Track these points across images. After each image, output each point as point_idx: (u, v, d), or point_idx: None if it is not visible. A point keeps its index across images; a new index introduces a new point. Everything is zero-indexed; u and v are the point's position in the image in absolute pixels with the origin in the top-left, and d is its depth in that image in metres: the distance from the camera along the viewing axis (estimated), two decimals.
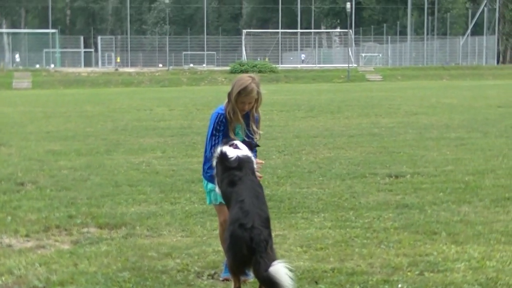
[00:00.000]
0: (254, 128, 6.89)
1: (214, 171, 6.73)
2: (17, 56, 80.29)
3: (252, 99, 6.76)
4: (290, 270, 5.81)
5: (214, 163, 6.60)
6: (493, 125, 21.74)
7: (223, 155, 6.43)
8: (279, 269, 5.75)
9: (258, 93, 6.79)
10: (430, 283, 6.68)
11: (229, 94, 6.79)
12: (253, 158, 6.59)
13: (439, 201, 10.45)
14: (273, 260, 5.89)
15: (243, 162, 6.39)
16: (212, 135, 6.85)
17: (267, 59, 79.85)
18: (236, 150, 6.46)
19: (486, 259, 7.44)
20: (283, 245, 8.06)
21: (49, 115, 28.67)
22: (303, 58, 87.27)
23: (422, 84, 58.79)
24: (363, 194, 11.15)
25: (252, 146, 6.76)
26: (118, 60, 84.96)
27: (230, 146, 6.51)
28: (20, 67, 72.44)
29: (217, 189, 6.65)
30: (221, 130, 6.80)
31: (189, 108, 31.54)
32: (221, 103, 6.97)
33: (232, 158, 6.38)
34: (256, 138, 6.99)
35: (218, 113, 6.85)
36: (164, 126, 23.13)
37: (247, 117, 6.88)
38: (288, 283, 5.75)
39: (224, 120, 6.80)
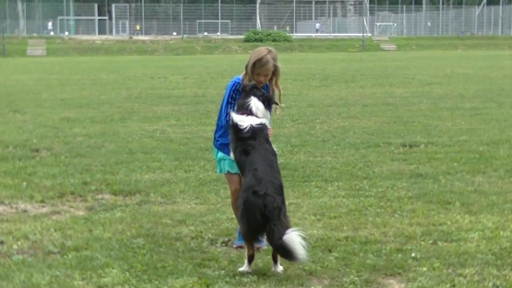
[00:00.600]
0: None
1: (228, 138, 6.74)
2: (50, 24, 80.00)
3: (267, 71, 6.74)
4: (304, 238, 5.85)
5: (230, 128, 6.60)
6: (508, 95, 21.62)
7: (235, 126, 6.41)
8: (293, 237, 5.79)
9: (275, 66, 6.76)
10: (443, 252, 6.68)
11: (246, 66, 6.79)
12: (267, 123, 6.57)
13: (453, 171, 10.43)
14: (287, 227, 5.93)
15: (256, 131, 6.38)
16: (227, 103, 6.84)
17: (287, 28, 79.46)
18: (249, 119, 6.43)
19: (499, 229, 7.44)
20: (296, 214, 8.08)
21: (64, 82, 28.72)
22: (317, 27, 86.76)
23: (437, 54, 58.49)
24: (377, 163, 11.14)
25: (270, 100, 6.67)
26: (138, 28, 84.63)
27: (243, 111, 6.46)
28: (35, 34, 72.33)
29: (231, 155, 6.67)
30: (237, 98, 6.78)
31: (203, 76, 31.51)
32: (235, 72, 6.96)
33: (246, 129, 6.37)
34: (276, 113, 7.01)
35: (235, 82, 6.85)
36: (178, 94, 23.14)
37: (266, 90, 6.87)
38: (302, 251, 5.79)
39: (240, 89, 6.79)
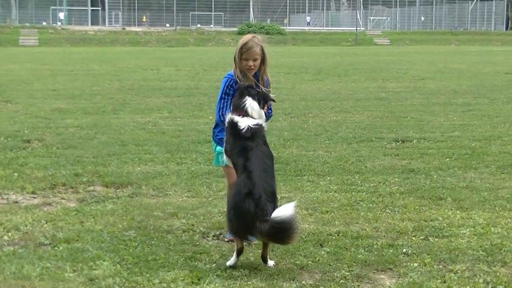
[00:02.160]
0: (265, 90, 6.85)
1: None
2: (61, 14, 79.67)
3: (255, 55, 6.74)
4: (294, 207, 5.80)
5: (225, 128, 6.54)
6: (501, 91, 21.67)
7: (234, 125, 6.34)
8: (281, 212, 5.75)
9: (262, 50, 6.77)
10: (434, 248, 6.69)
11: (234, 57, 6.82)
12: (264, 124, 6.50)
13: (445, 167, 10.45)
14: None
15: (255, 132, 6.31)
16: (221, 98, 6.86)
17: (285, 21, 79.35)
18: (246, 120, 6.35)
19: (491, 225, 7.46)
20: None
21: (56, 73, 28.63)
22: (308, 20, 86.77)
23: (430, 49, 58.57)
24: (369, 158, 11.15)
25: (266, 98, 6.63)
26: (144, 19, 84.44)
27: (239, 112, 6.39)
28: (27, 24, 72.05)
29: (225, 157, 6.62)
30: (230, 94, 6.79)
31: (196, 68, 31.47)
32: (228, 64, 6.98)
33: (244, 129, 6.30)
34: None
35: (228, 78, 6.86)
36: (170, 86, 23.10)
37: (256, 80, 6.86)
38: (294, 227, 5.74)
39: (234, 84, 6.79)
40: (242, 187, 6.05)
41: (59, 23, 75.90)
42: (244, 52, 6.71)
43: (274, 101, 6.83)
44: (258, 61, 6.80)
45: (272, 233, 5.83)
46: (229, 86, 6.81)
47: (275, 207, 6.03)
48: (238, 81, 6.76)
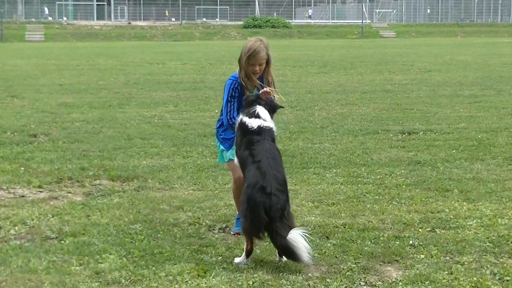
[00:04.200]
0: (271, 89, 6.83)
1: (230, 133, 6.79)
2: (46, 9, 79.77)
3: (261, 60, 6.75)
4: (307, 238, 5.82)
5: (235, 131, 6.54)
6: (507, 82, 21.60)
7: (243, 125, 6.36)
8: (296, 238, 5.76)
9: (267, 54, 6.78)
10: (441, 239, 6.68)
11: (239, 60, 6.81)
12: (274, 129, 6.49)
13: (452, 158, 10.42)
14: (290, 227, 5.88)
15: (264, 130, 6.32)
16: (227, 101, 6.85)
17: (306, 14, 79.10)
18: (258, 121, 6.37)
19: (498, 217, 7.43)
20: (295, 200, 8.06)
21: (62, 68, 28.66)
22: (310, 14, 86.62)
23: (436, 41, 58.42)
24: (376, 150, 11.13)
25: (274, 108, 6.67)
26: (167, 13, 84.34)
27: (251, 115, 6.41)
28: (33, 19, 72.09)
29: (235, 160, 6.60)
30: (236, 96, 6.82)
31: (201, 62, 31.46)
32: (234, 58, 6.97)
33: (254, 127, 6.30)
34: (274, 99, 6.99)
35: (232, 80, 6.86)
36: (176, 80, 23.09)
37: (261, 81, 6.85)
38: (305, 252, 5.76)
39: (238, 86, 6.82)
40: (252, 179, 6.02)
41: (57, 18, 75.77)
42: (251, 57, 6.71)
43: (282, 107, 6.88)
44: (264, 65, 6.81)
45: (285, 251, 5.92)
46: (234, 89, 6.81)
47: (287, 199, 6.05)
48: (243, 83, 6.78)
